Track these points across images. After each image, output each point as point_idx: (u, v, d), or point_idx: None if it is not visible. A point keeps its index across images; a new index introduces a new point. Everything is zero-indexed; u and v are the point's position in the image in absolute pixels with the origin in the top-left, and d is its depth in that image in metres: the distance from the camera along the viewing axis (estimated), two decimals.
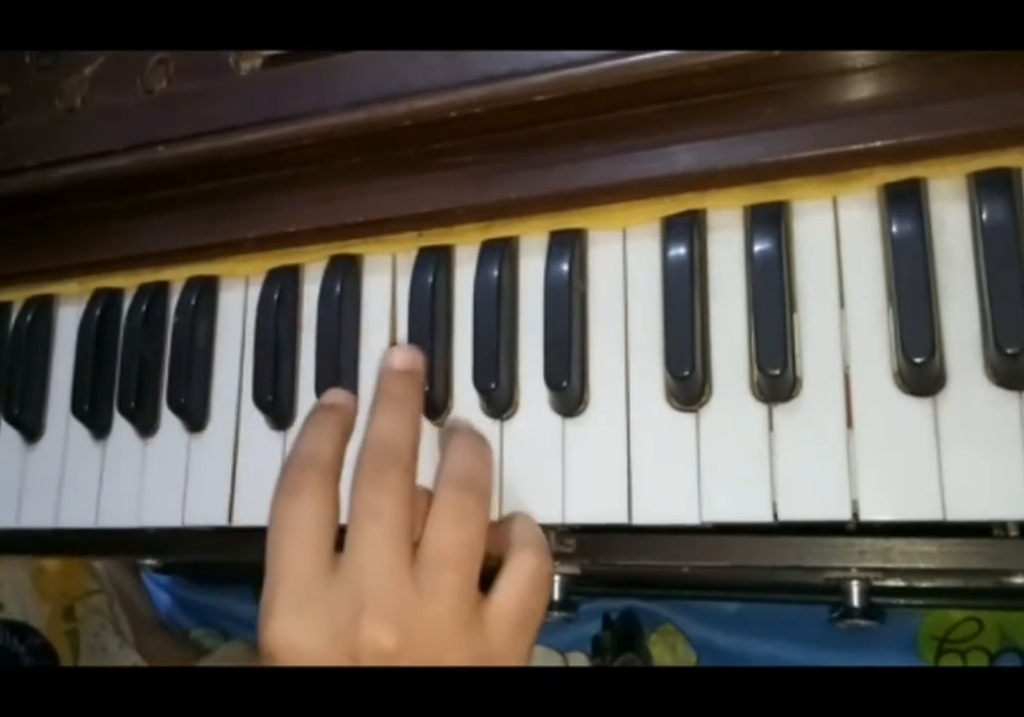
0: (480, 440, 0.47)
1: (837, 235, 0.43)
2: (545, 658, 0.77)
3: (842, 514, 0.40)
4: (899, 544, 0.41)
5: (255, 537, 0.45)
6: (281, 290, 0.53)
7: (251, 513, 0.51)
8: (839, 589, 0.42)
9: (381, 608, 0.40)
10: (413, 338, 0.49)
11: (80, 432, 0.57)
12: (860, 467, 0.40)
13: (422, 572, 0.41)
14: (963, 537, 0.40)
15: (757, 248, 0.43)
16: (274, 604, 0.41)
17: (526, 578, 0.43)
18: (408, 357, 0.47)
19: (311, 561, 0.42)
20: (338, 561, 0.42)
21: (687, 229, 0.45)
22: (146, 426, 0.55)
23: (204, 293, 0.55)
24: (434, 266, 0.49)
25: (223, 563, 0.77)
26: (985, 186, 0.41)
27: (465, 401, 0.48)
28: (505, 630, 0.42)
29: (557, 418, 0.46)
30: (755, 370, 0.42)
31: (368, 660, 0.40)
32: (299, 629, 0.40)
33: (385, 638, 0.40)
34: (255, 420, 0.52)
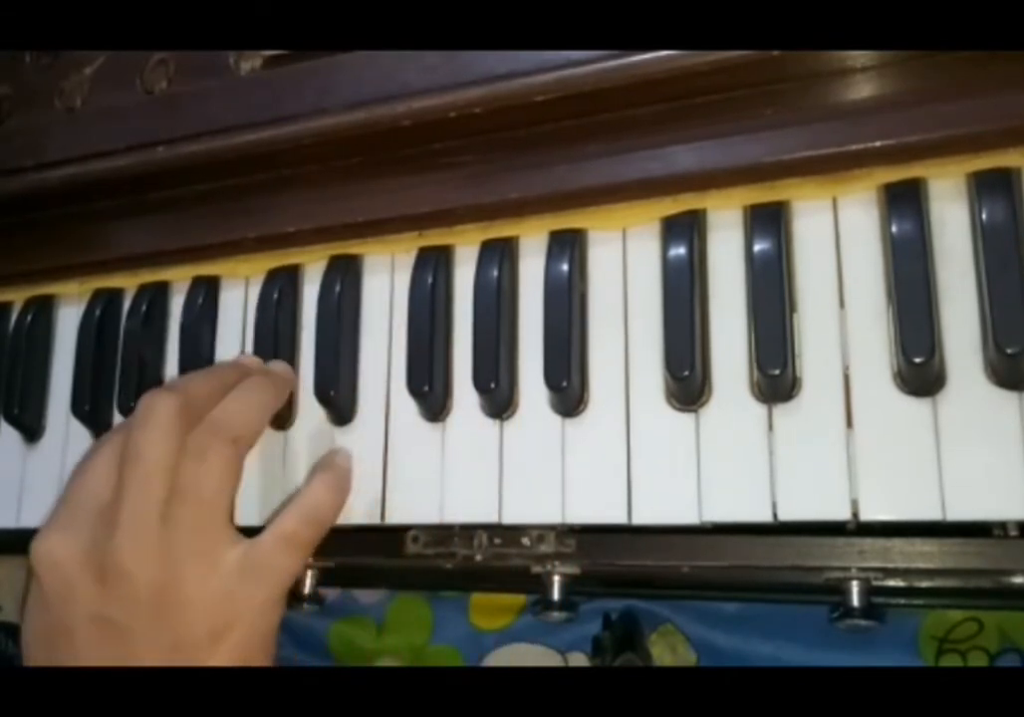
0: (257, 390, 0.49)
1: (837, 235, 0.43)
2: (545, 658, 0.77)
3: (842, 514, 0.40)
4: (899, 544, 0.41)
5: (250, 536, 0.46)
6: (281, 290, 0.53)
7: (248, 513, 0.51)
8: (839, 589, 0.42)
9: (126, 531, 0.44)
10: (413, 338, 0.49)
11: (80, 432, 0.57)
12: (860, 467, 0.40)
13: (169, 502, 0.44)
14: (963, 537, 0.40)
15: (757, 248, 0.43)
16: (47, 524, 0.46)
17: (276, 536, 0.46)
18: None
19: (87, 496, 0.46)
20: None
21: (687, 229, 0.45)
22: None
23: (205, 293, 0.55)
24: (434, 266, 0.49)
25: None
26: (985, 186, 0.41)
27: (465, 401, 0.48)
28: (243, 575, 0.45)
29: (557, 418, 0.46)
30: (755, 370, 0.42)
31: (111, 576, 0.43)
32: (59, 543, 0.45)
33: (125, 556, 0.43)
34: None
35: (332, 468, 0.49)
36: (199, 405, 0.47)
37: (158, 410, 0.45)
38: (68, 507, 0.46)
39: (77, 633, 0.44)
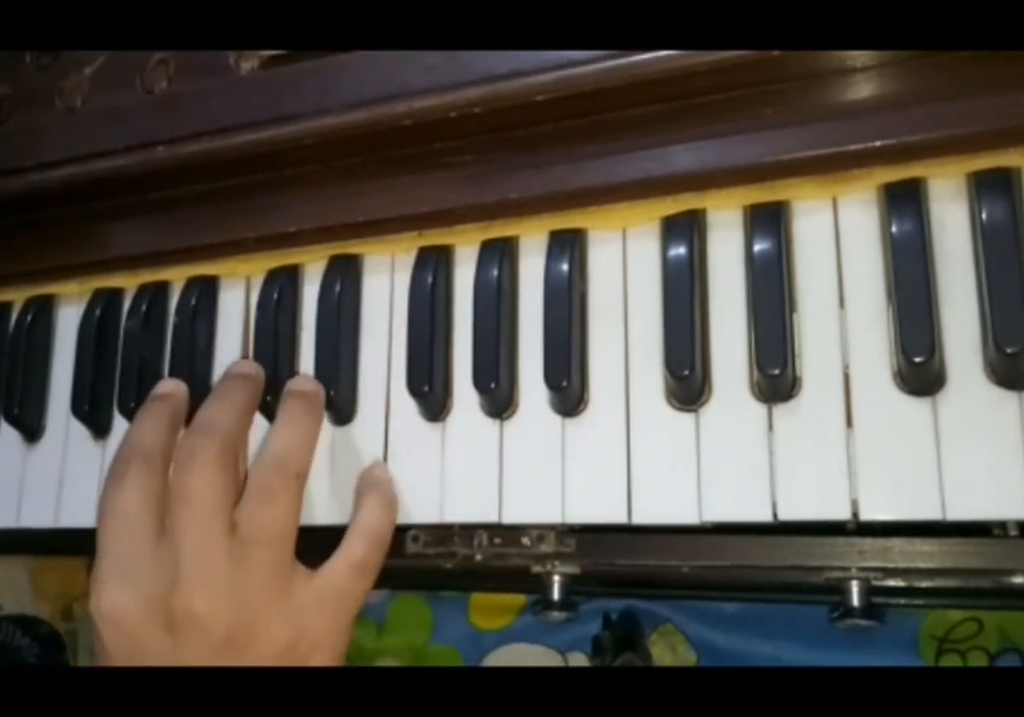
0: (303, 418, 0.49)
1: (837, 235, 0.43)
2: (545, 658, 0.77)
3: (842, 514, 0.40)
4: (899, 544, 0.41)
5: None
6: (281, 290, 0.53)
7: None
8: (839, 589, 0.42)
9: (193, 575, 0.43)
10: (413, 338, 0.49)
11: (80, 432, 0.57)
12: (860, 467, 0.40)
13: (235, 546, 0.44)
14: (963, 537, 0.40)
15: (757, 248, 0.43)
16: (99, 577, 0.45)
17: (347, 564, 0.46)
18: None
19: (132, 539, 0.45)
20: (161, 541, 0.45)
21: (687, 229, 0.45)
22: None
23: (204, 293, 0.55)
24: (434, 266, 0.49)
25: None
26: (985, 186, 0.41)
27: (465, 401, 0.48)
28: (319, 607, 0.45)
29: (557, 418, 0.46)
30: (755, 370, 0.42)
31: (182, 623, 0.43)
32: (120, 596, 0.44)
33: (197, 602, 0.43)
34: (255, 419, 0.52)
35: (378, 484, 0.48)
36: (234, 439, 0.47)
37: (202, 457, 0.45)
38: (115, 557, 0.45)
39: None
